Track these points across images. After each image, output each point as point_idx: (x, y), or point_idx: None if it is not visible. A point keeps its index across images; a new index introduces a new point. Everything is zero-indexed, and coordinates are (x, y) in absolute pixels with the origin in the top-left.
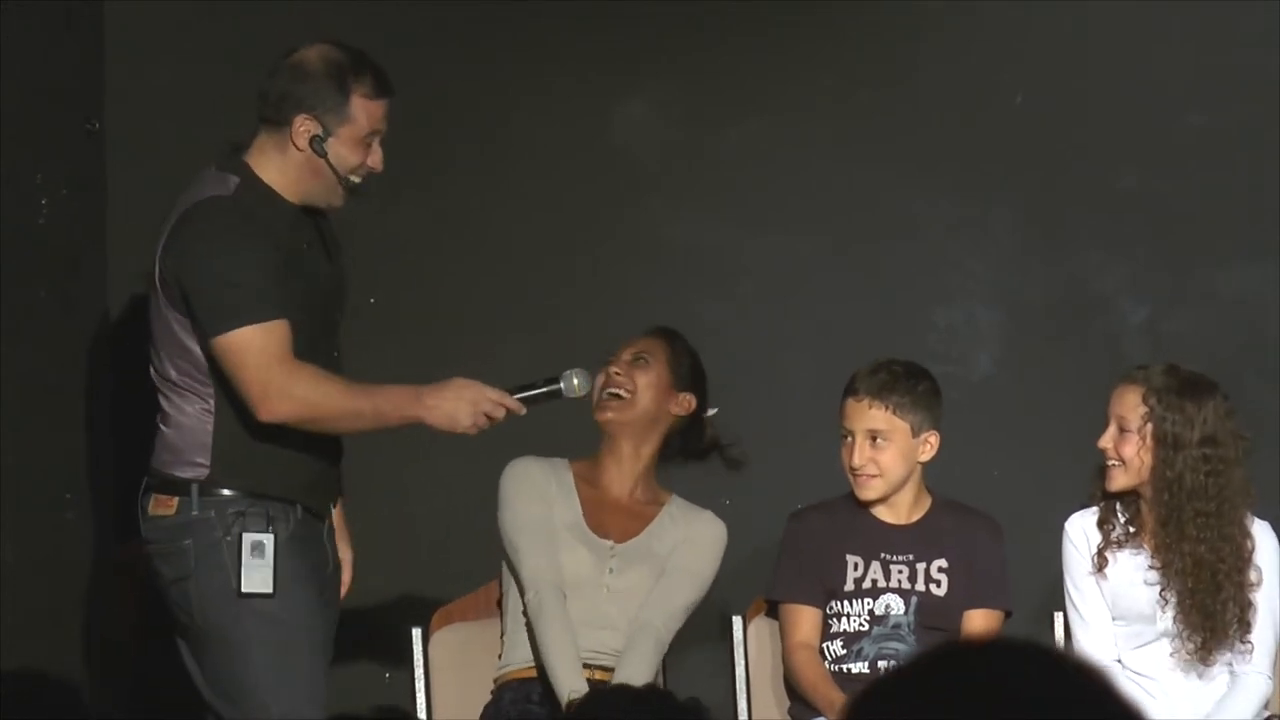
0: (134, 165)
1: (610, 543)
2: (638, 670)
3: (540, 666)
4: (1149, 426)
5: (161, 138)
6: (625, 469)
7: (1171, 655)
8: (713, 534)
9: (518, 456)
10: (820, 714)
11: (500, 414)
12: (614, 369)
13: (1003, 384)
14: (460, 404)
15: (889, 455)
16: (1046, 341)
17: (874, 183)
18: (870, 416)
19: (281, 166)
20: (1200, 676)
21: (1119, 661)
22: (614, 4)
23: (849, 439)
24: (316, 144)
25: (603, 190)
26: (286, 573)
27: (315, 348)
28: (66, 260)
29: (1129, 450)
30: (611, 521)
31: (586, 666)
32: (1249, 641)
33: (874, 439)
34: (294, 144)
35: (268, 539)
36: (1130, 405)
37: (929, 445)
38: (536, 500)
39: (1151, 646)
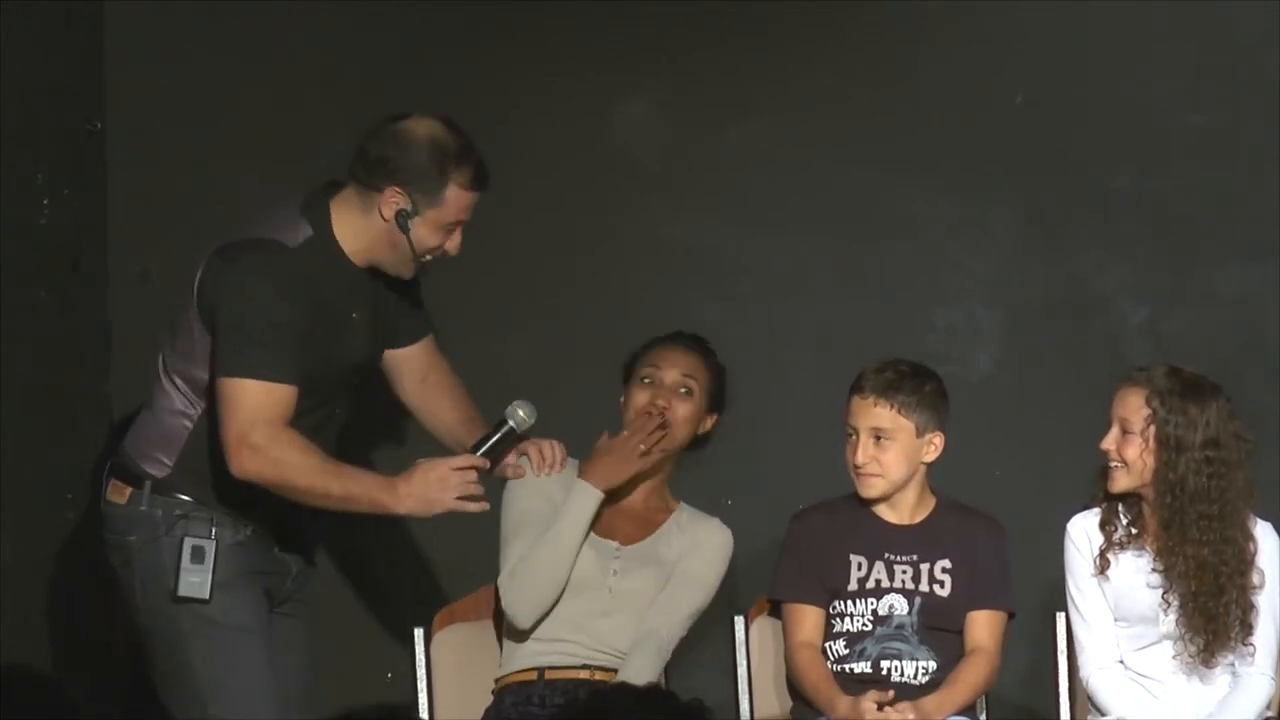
0: (135, 165)
1: (615, 544)
2: (639, 674)
3: (540, 669)
4: (1152, 428)
5: (162, 138)
6: (640, 480)
7: (1174, 657)
8: (719, 541)
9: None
10: (822, 714)
11: (472, 480)
12: (660, 401)
13: (1003, 384)
14: (429, 487)
15: (892, 454)
16: (1046, 342)
17: (874, 183)
18: (875, 415)
19: (360, 228)
20: (1202, 678)
21: (1121, 663)
22: (614, 4)
23: (853, 437)
24: (402, 219)
25: (603, 190)
26: (229, 575)
27: (323, 402)
28: (66, 260)
29: (1131, 452)
30: (619, 524)
31: (586, 667)
32: (1251, 643)
33: (878, 437)
34: (380, 212)
35: (209, 545)
36: (1133, 407)
37: (933, 446)
38: (539, 498)
39: (1154, 648)
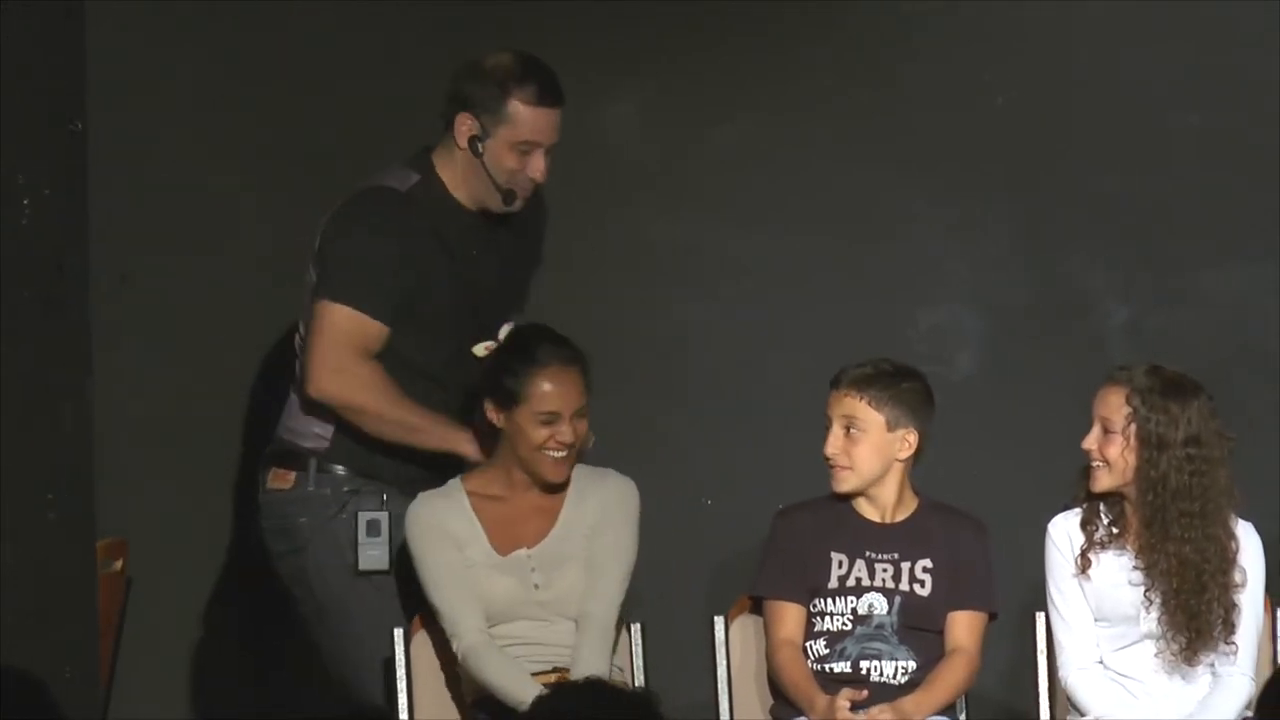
0: (116, 166)
1: (525, 551)
2: (590, 665)
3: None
4: (1133, 427)
5: (144, 139)
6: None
7: (1156, 656)
8: (621, 495)
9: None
10: (802, 714)
11: None
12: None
13: (986, 384)
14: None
15: (863, 448)
16: (1029, 342)
17: (858, 184)
18: (845, 404)
19: (453, 166)
20: (1184, 678)
21: (1101, 663)
22: (606, 4)
23: (829, 429)
24: (474, 144)
25: (594, 189)
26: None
27: (453, 335)
28: (50, 262)
29: (1113, 451)
30: (521, 528)
31: (556, 669)
32: (1233, 643)
33: (848, 429)
34: (457, 143)
35: (382, 517)
36: (1114, 406)
37: (907, 443)
38: (445, 546)
39: (1135, 648)
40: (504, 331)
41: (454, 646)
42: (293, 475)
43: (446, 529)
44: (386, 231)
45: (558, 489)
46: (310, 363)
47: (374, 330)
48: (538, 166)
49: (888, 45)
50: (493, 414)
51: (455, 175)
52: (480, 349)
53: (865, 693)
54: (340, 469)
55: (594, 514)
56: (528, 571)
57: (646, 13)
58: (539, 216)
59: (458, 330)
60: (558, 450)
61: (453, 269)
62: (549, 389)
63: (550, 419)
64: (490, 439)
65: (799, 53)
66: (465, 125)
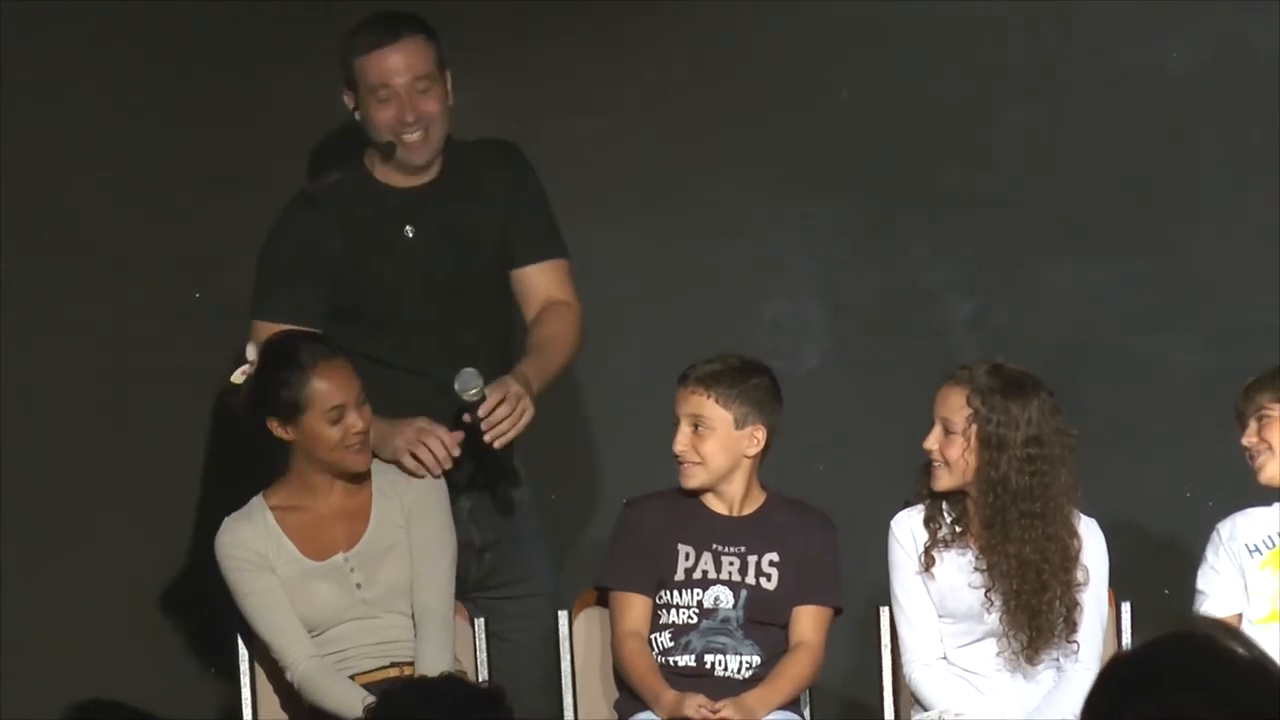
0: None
1: (341, 555)
2: (434, 659)
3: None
4: (973, 428)
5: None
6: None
7: (999, 654)
8: (428, 484)
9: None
10: (647, 708)
11: (437, 449)
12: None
13: (830, 379)
14: (399, 433)
15: (711, 445)
16: (874, 337)
17: (700, 178)
18: (693, 402)
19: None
20: (1026, 675)
21: (945, 659)
22: (442, 2)
23: (677, 425)
24: (355, 116)
25: None
26: None
27: (385, 322)
28: None
29: (954, 452)
30: (331, 533)
31: (395, 664)
32: (1075, 641)
33: (696, 426)
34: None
35: None
36: (954, 407)
37: (755, 439)
38: (258, 574)
39: (978, 645)
40: (251, 352)
41: (287, 676)
42: None
43: (253, 553)
44: (280, 235)
45: (358, 485)
46: None
47: (266, 332)
48: (401, 108)
49: (732, 39)
50: (280, 431)
51: (372, 157)
52: (237, 375)
53: (719, 708)
54: None
55: (405, 504)
56: (347, 573)
57: (486, 7)
58: (499, 172)
59: (392, 314)
60: (354, 441)
61: (368, 256)
62: (326, 386)
63: (338, 414)
64: (280, 454)
65: (639, 50)
66: (348, 102)
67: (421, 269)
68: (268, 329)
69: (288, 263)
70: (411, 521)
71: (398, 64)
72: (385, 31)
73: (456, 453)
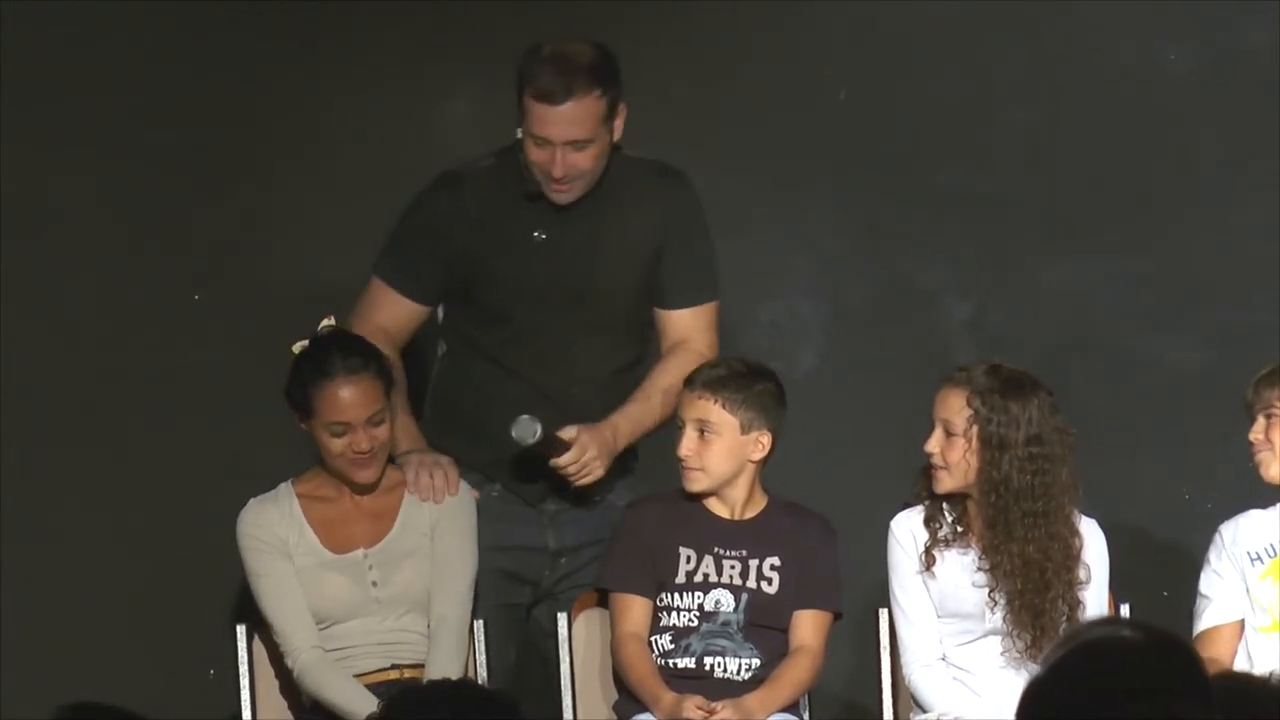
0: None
1: (361, 551)
2: (444, 668)
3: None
4: (974, 429)
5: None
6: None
7: (1002, 654)
8: (455, 499)
9: (246, 503)
10: (646, 710)
11: (452, 481)
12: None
13: (827, 380)
14: (421, 464)
15: (716, 450)
16: (871, 338)
17: (698, 177)
18: (699, 407)
19: None
20: (1026, 674)
21: (943, 659)
22: (437, 3)
23: (681, 429)
24: (518, 133)
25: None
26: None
27: (503, 320)
28: None
29: (954, 454)
30: (355, 528)
31: (395, 666)
32: None
33: (702, 431)
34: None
35: None
36: (954, 408)
37: (760, 445)
38: (275, 558)
39: (979, 643)
40: (324, 325)
41: (288, 662)
42: None
43: (274, 537)
44: (420, 207)
45: (389, 485)
46: None
47: (383, 297)
48: (553, 161)
49: (731, 39)
50: (300, 423)
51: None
52: (297, 347)
53: (718, 709)
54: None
55: (433, 513)
56: (364, 570)
57: (482, 10)
58: (665, 201)
59: (507, 313)
60: (357, 458)
61: (496, 250)
62: (335, 401)
63: (341, 430)
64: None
65: (638, 50)
66: (516, 113)
67: (541, 274)
68: (380, 289)
69: (417, 235)
70: (437, 531)
71: (560, 125)
72: (559, 88)
73: (454, 494)
